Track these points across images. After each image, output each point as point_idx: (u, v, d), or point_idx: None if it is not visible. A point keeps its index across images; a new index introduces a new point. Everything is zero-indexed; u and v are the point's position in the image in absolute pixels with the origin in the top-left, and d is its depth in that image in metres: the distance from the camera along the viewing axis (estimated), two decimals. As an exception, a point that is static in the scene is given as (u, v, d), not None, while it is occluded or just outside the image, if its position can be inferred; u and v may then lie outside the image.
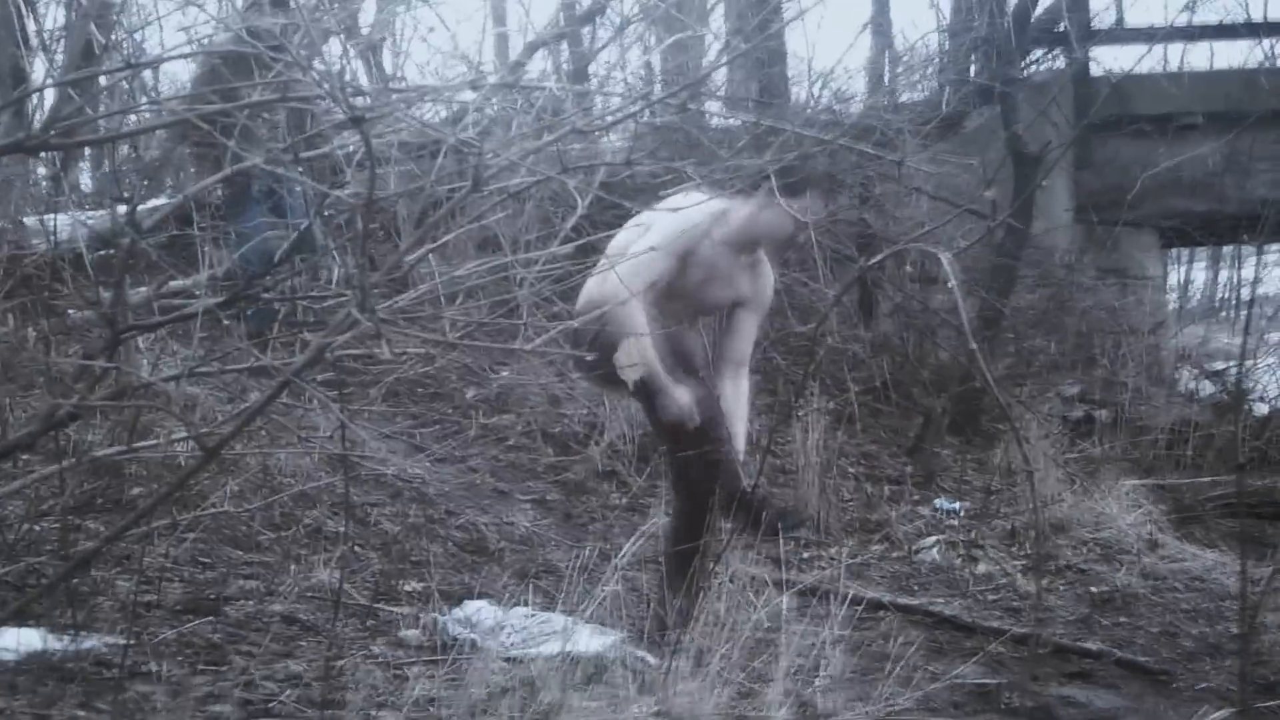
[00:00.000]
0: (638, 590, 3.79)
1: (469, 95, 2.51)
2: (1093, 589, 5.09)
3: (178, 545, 3.57)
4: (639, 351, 3.35)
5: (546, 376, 5.98)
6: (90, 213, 4.71)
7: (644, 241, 3.44)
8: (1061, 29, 9.32)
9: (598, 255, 3.52)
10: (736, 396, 3.74)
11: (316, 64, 2.12)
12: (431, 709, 2.64)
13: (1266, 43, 10.00)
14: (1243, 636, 1.87)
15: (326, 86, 1.88)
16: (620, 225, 3.67)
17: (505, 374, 4.51)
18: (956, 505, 5.82)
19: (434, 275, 2.78)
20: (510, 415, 5.84)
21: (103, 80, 2.73)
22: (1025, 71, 9.34)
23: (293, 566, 3.78)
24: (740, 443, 3.69)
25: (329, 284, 4.19)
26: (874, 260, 2.80)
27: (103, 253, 4.74)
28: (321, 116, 2.68)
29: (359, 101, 1.95)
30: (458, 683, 2.69)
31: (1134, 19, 9.98)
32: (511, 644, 3.08)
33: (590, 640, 2.95)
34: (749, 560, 3.57)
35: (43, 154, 4.06)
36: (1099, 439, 6.93)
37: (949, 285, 2.81)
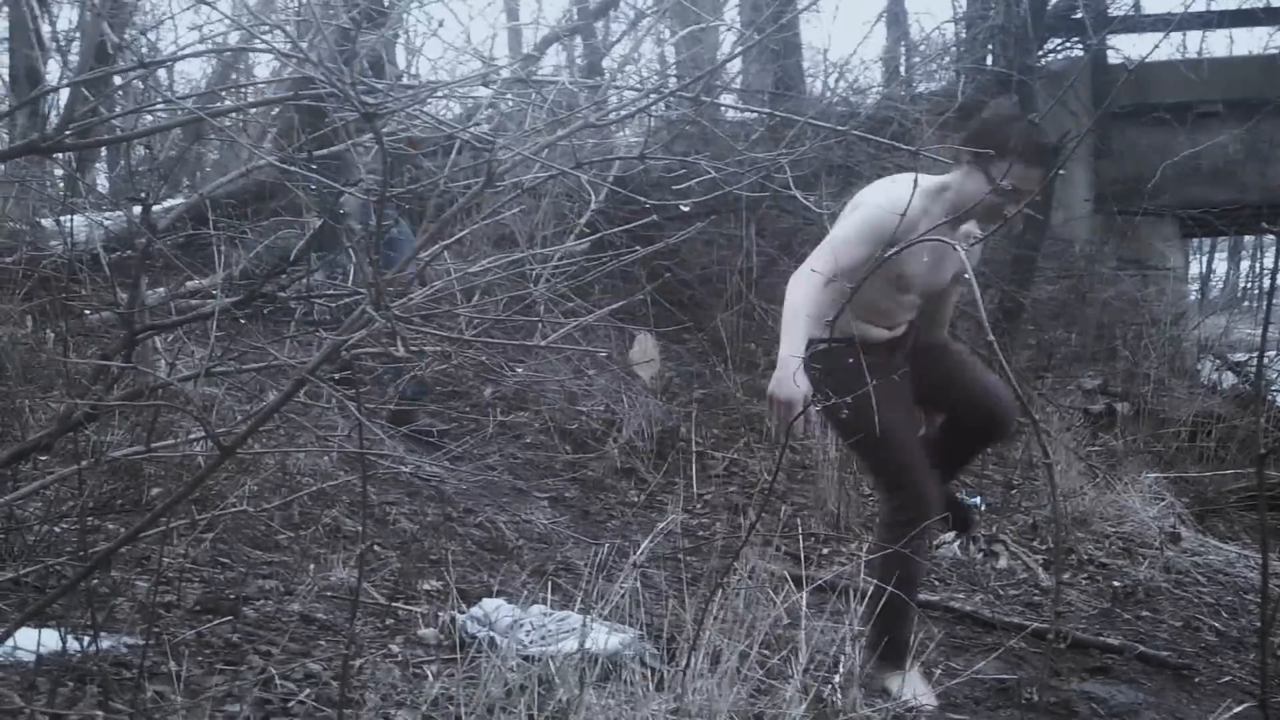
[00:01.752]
0: (655, 588, 3.77)
1: (482, 91, 2.50)
2: (1114, 583, 5.06)
3: (196, 545, 3.57)
4: (651, 349, 3.33)
5: (564, 373, 5.98)
6: (107, 213, 4.72)
7: (842, 227, 3.37)
8: (1078, 16, 9.25)
9: (614, 250, 3.50)
10: (960, 352, 3.61)
11: (329, 61, 2.11)
12: (449, 707, 2.63)
13: (1287, 29, 9.92)
14: (1262, 630, 1.84)
15: (338, 84, 1.87)
16: (635, 219, 3.63)
17: (522, 371, 4.50)
18: (977, 499, 5.79)
19: (449, 272, 2.77)
20: (527, 413, 5.85)
21: (117, 80, 2.73)
22: (1042, 60, 9.28)
23: (311, 566, 3.78)
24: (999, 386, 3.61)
25: (345, 281, 4.20)
26: (891, 252, 2.77)
27: (119, 253, 4.76)
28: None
29: (370, 99, 1.94)
30: (475, 681, 2.69)
31: (1151, 6, 9.95)
32: (529, 642, 3.07)
33: (607, 638, 2.94)
34: (767, 557, 3.55)
35: (58, 155, 4.08)
36: (1120, 431, 6.89)
37: (965, 277, 2.78)
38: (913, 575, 3.44)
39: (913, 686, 3.40)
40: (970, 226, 3.33)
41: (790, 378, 3.23)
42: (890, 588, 3.16)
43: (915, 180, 3.05)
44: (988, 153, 3.20)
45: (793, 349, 3.26)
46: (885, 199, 3.33)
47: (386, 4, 3.31)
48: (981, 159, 3.28)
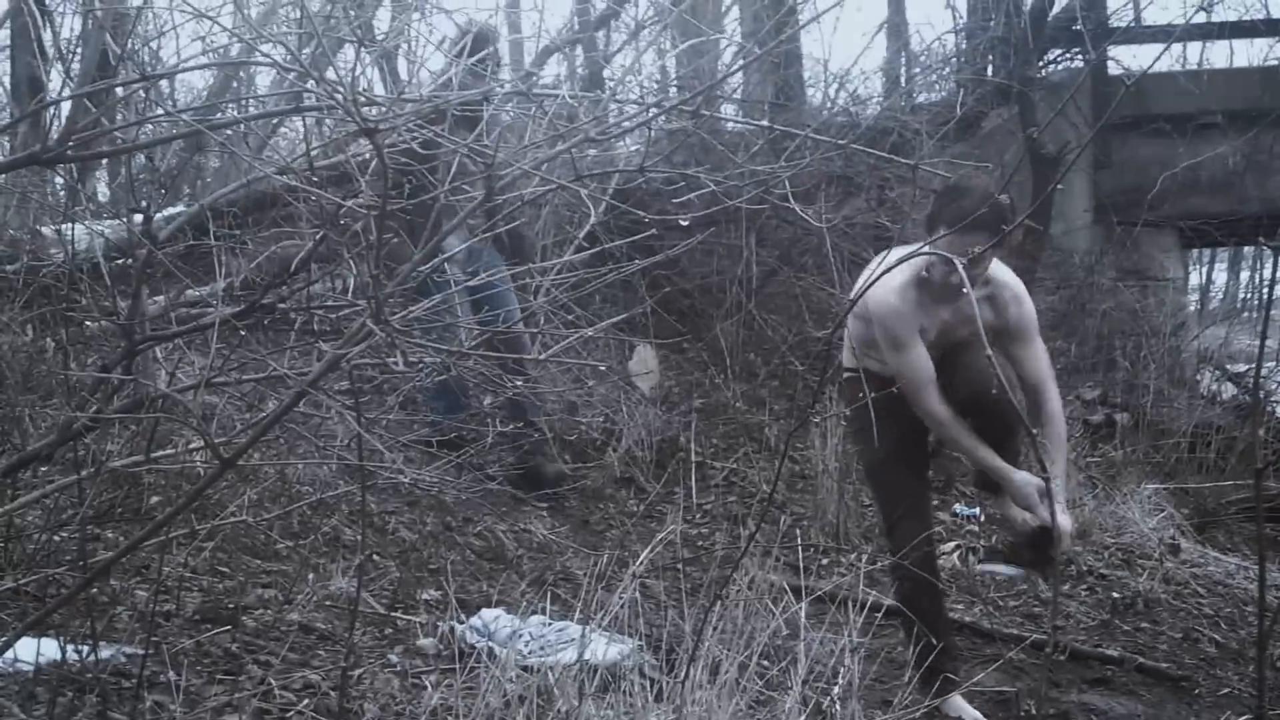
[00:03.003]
0: (654, 598, 3.78)
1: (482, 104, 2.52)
2: (1113, 594, 5.06)
3: (196, 555, 3.58)
4: (651, 360, 3.37)
5: (563, 383, 5.98)
6: (107, 223, 4.73)
7: (889, 356, 3.46)
8: (1079, 28, 9.27)
9: (614, 262, 3.50)
10: (1045, 424, 3.56)
11: (329, 74, 2.12)
12: (448, 718, 2.63)
13: (1287, 41, 9.93)
14: (1260, 641, 1.85)
15: (338, 97, 1.88)
16: (637, 232, 3.64)
17: (521, 381, 4.51)
18: (975, 510, 5.78)
19: (450, 284, 2.78)
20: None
21: (119, 91, 2.74)
22: (1042, 71, 9.29)
23: (310, 575, 3.78)
24: (1059, 475, 3.56)
25: (345, 293, 4.20)
26: (890, 265, 2.78)
27: (120, 261, 4.76)
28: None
29: (370, 112, 1.95)
30: (474, 691, 2.69)
31: (1152, 17, 9.97)
32: (528, 652, 3.07)
33: (607, 648, 2.94)
34: (767, 567, 3.56)
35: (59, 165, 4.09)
36: (1120, 442, 6.89)
37: (964, 291, 2.78)
38: (925, 608, 3.51)
39: (961, 710, 3.58)
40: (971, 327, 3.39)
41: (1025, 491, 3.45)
42: (913, 615, 3.40)
43: (895, 271, 3.14)
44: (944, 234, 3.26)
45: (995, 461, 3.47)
46: (879, 308, 3.43)
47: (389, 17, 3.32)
48: (930, 231, 3.37)
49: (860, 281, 3.41)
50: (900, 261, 2.64)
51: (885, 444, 3.11)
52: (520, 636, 3.17)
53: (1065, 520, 3.48)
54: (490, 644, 3.17)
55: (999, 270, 3.54)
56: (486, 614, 3.44)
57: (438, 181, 2.42)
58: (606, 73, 8.70)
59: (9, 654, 2.48)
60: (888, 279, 3.26)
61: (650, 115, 2.33)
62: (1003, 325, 3.51)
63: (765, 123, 3.18)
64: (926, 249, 3.08)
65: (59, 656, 2.48)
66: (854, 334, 3.60)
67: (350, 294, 2.72)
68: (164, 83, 6.90)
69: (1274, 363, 8.05)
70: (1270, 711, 3.35)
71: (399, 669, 3.10)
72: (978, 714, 3.58)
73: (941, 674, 3.38)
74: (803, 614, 2.95)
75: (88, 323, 4.63)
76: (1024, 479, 3.46)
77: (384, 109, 1.98)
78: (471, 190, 2.48)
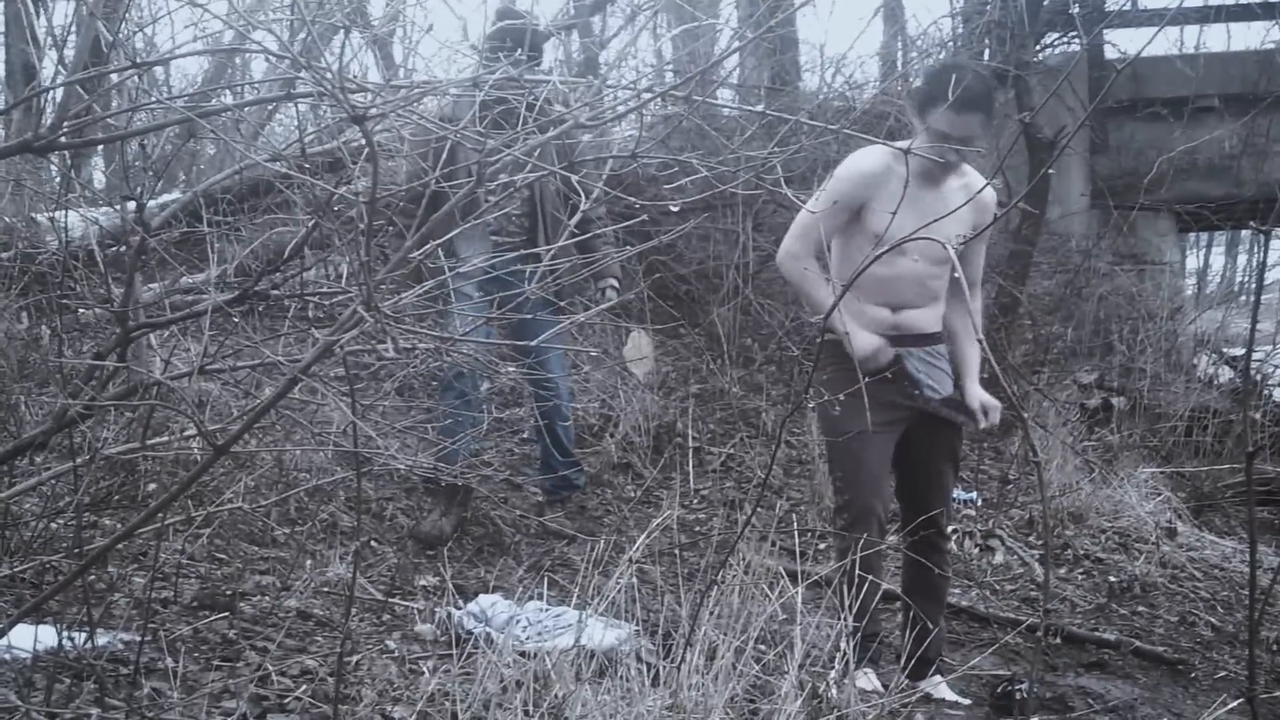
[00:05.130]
0: (651, 583, 3.78)
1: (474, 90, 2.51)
2: (1110, 578, 5.07)
3: (192, 541, 3.58)
4: (646, 346, 3.35)
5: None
6: (101, 210, 4.72)
7: (811, 203, 3.40)
8: (1075, 11, 9.25)
9: (607, 249, 3.51)
10: (965, 316, 3.57)
11: (321, 60, 2.11)
12: (445, 703, 2.64)
13: (1284, 23, 9.90)
14: (1251, 624, 1.86)
15: (327, 84, 1.87)
16: (630, 215, 3.65)
17: (515, 368, 4.51)
18: (973, 495, 5.79)
19: (442, 270, 2.77)
20: (523, 408, 5.85)
21: (112, 78, 2.73)
22: (1039, 55, 9.27)
23: (308, 562, 3.79)
24: (972, 360, 3.61)
25: (339, 279, 4.20)
26: (886, 249, 2.78)
27: (114, 248, 4.76)
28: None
29: (360, 98, 1.94)
30: (471, 677, 2.69)
31: (1148, 1, 9.89)
32: (526, 637, 3.08)
33: (603, 633, 2.95)
34: (763, 552, 3.56)
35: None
36: (1116, 426, 6.90)
37: (955, 276, 2.77)
38: (866, 586, 3.42)
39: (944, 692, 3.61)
40: (956, 227, 3.27)
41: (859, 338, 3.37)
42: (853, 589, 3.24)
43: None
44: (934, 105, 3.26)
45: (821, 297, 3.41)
46: (846, 163, 3.45)
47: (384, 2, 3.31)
48: (922, 114, 3.33)
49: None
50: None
51: (853, 416, 3.09)
52: (517, 622, 3.18)
53: (976, 389, 3.56)
54: (487, 629, 3.18)
55: (970, 166, 3.54)
56: (484, 599, 3.45)
57: (460, 174, 2.42)
58: (601, 57, 8.68)
59: (5, 641, 2.49)
60: (860, 155, 3.42)
61: (644, 100, 2.32)
62: (976, 222, 3.45)
63: (760, 108, 3.18)
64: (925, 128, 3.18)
65: (56, 643, 2.49)
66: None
67: (344, 280, 2.72)
68: (158, 70, 6.88)
69: (1270, 346, 8.06)
70: (1262, 693, 3.37)
71: (396, 655, 3.11)
72: (956, 696, 3.60)
73: (866, 646, 3.36)
74: (799, 599, 2.95)
75: (82, 310, 4.63)
76: (863, 338, 3.40)
77: (374, 95, 1.97)
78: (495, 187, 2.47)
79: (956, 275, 3.38)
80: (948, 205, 3.27)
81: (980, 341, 2.15)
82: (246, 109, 3.90)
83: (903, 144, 3.24)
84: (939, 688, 3.59)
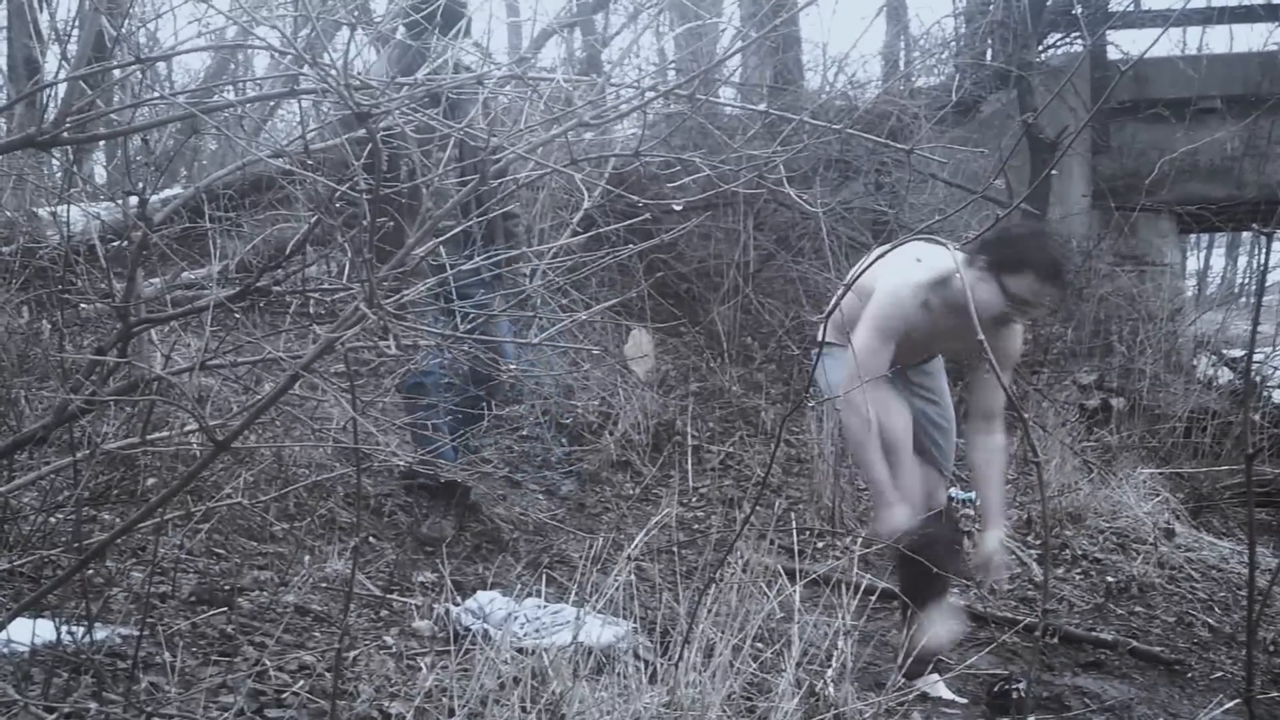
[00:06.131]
0: (649, 581, 3.79)
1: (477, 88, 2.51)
2: (1108, 578, 5.08)
3: (191, 536, 3.59)
4: (646, 344, 3.37)
5: (559, 367, 5.98)
6: (103, 205, 4.73)
7: (861, 331, 3.42)
8: (1077, 12, 9.25)
9: (610, 246, 3.51)
10: (987, 452, 3.64)
11: (324, 56, 2.11)
12: (443, 699, 2.64)
13: (1286, 25, 9.91)
14: (1249, 625, 1.86)
15: (331, 81, 1.87)
16: (634, 216, 3.64)
17: (515, 366, 4.51)
18: (972, 494, 5.79)
19: (445, 267, 2.77)
20: (523, 405, 5.85)
21: (115, 73, 2.73)
22: (1041, 55, 9.28)
23: (306, 557, 3.79)
24: (994, 504, 3.65)
25: (340, 276, 4.20)
26: (886, 249, 2.79)
27: (116, 243, 4.75)
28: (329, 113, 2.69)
29: (364, 97, 1.94)
30: (469, 673, 2.70)
31: (1151, 2, 9.91)
32: (523, 634, 3.08)
33: (601, 631, 2.95)
34: (762, 550, 3.57)
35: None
36: (1116, 427, 6.90)
37: (956, 276, 2.79)
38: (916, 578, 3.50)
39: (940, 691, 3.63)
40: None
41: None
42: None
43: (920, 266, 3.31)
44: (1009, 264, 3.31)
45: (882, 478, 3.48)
46: (891, 291, 3.42)
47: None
48: (996, 269, 3.34)
49: (863, 264, 3.43)
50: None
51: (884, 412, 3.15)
52: (515, 619, 3.18)
53: (992, 544, 3.57)
54: (485, 626, 3.18)
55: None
56: (482, 596, 3.45)
57: (430, 165, 2.42)
58: (604, 55, 8.68)
59: (4, 635, 2.49)
60: (910, 270, 3.39)
61: (647, 99, 2.32)
62: (1001, 351, 3.51)
63: (762, 107, 3.18)
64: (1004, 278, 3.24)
65: (54, 638, 2.49)
66: (848, 310, 3.58)
67: (345, 277, 2.72)
68: (161, 65, 6.88)
69: (1270, 348, 8.06)
70: (1260, 694, 3.37)
71: (394, 651, 3.12)
72: (953, 695, 3.61)
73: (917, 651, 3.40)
74: (797, 597, 2.95)
75: (83, 305, 4.63)
76: (898, 514, 3.47)
77: (377, 93, 1.98)
78: (451, 172, 2.47)
79: (983, 404, 3.62)
80: (964, 333, 3.35)
81: (982, 341, 2.13)
82: (250, 105, 3.91)
83: (941, 267, 3.39)
84: (936, 686, 3.60)
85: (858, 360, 3.32)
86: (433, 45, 2.15)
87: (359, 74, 2.14)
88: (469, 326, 2.72)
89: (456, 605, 3.41)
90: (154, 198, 3.10)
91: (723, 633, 2.79)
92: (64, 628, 2.50)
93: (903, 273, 3.43)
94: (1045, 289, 3.31)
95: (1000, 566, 3.62)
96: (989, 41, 9.14)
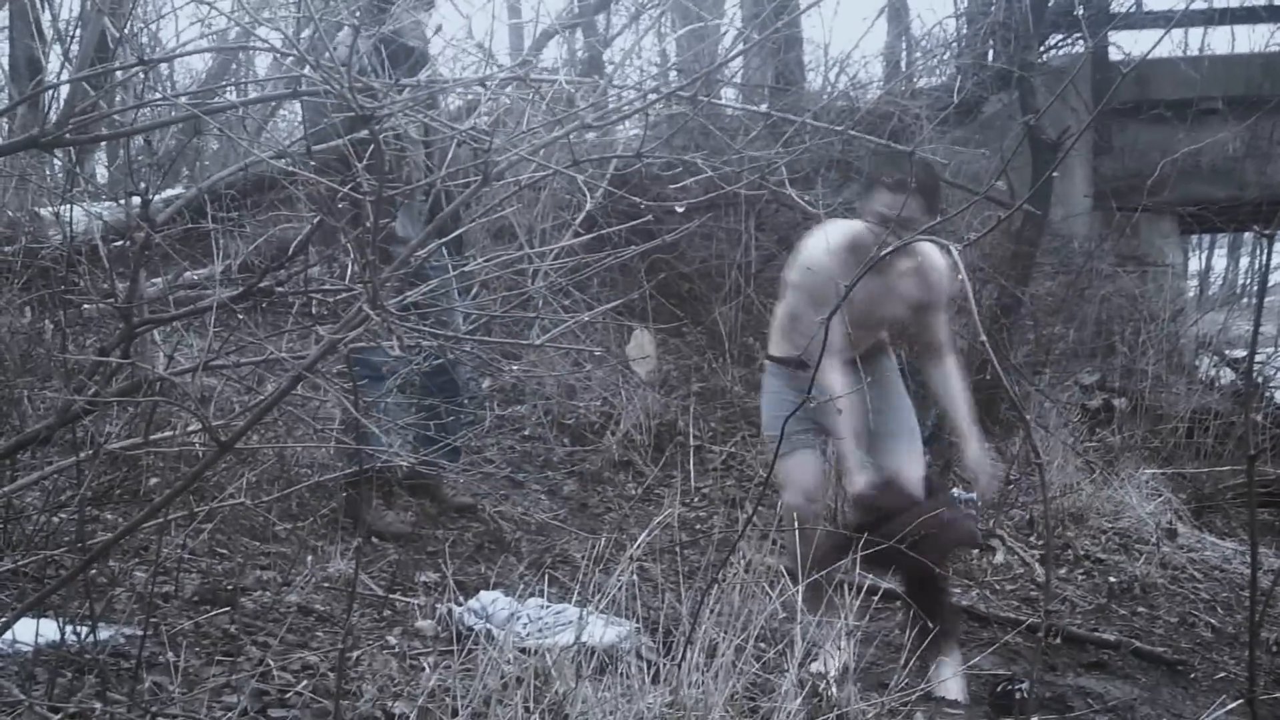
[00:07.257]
0: (652, 581, 3.79)
1: (479, 88, 2.51)
2: (1110, 579, 5.08)
3: (194, 536, 3.59)
4: (648, 345, 3.40)
5: (561, 367, 5.99)
6: (105, 205, 4.74)
7: (788, 299, 3.61)
8: (1079, 13, 9.24)
9: (612, 247, 3.51)
10: (942, 377, 3.73)
11: (326, 58, 2.12)
12: (446, 699, 2.65)
13: (1288, 26, 9.91)
14: (1252, 626, 1.87)
15: (334, 83, 1.88)
16: (635, 217, 3.64)
17: (517, 367, 4.52)
18: (974, 495, 5.80)
19: (447, 269, 2.78)
20: (525, 406, 5.86)
21: (118, 74, 2.74)
22: (1043, 56, 9.26)
23: (309, 557, 3.80)
24: (964, 419, 3.69)
25: (343, 276, 4.19)
26: (888, 249, 2.79)
27: (118, 243, 4.76)
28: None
29: (368, 99, 1.95)
30: (471, 673, 2.70)
31: (1153, 2, 9.90)
32: (526, 634, 3.08)
33: (604, 631, 2.96)
34: (764, 550, 3.57)
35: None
36: (1118, 427, 6.90)
37: (959, 277, 2.80)
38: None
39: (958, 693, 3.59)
40: (900, 306, 3.64)
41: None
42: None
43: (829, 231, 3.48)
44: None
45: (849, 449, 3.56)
46: (806, 262, 3.59)
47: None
48: (860, 200, 3.58)
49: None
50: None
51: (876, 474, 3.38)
52: (518, 619, 3.18)
53: (974, 453, 3.62)
54: (488, 626, 3.18)
55: (929, 247, 3.66)
56: (484, 596, 3.46)
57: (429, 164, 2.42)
58: (606, 56, 8.68)
59: (8, 635, 2.50)
60: (824, 238, 3.54)
61: (649, 101, 2.33)
62: (926, 300, 3.67)
63: (763, 108, 3.18)
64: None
65: (58, 637, 2.49)
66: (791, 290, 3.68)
67: (347, 278, 2.72)
68: (163, 66, 6.88)
69: (1271, 349, 8.06)
70: (1262, 695, 3.37)
71: (397, 651, 3.12)
72: (958, 695, 3.59)
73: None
74: (799, 597, 2.95)
75: (86, 305, 4.63)
76: (861, 479, 3.54)
77: (380, 94, 1.98)
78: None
79: (929, 341, 3.72)
80: (894, 286, 3.59)
81: (984, 342, 2.14)
82: (252, 105, 3.91)
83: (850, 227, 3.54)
84: (946, 685, 3.58)
85: (810, 342, 3.42)
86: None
87: (361, 76, 2.14)
88: (470, 327, 2.73)
89: (459, 605, 3.41)
90: (156, 198, 3.11)
91: (725, 633, 2.79)
92: (68, 628, 2.50)
93: (818, 243, 3.58)
94: (897, 199, 3.40)
95: (989, 473, 3.70)
96: (990, 42, 9.12)
